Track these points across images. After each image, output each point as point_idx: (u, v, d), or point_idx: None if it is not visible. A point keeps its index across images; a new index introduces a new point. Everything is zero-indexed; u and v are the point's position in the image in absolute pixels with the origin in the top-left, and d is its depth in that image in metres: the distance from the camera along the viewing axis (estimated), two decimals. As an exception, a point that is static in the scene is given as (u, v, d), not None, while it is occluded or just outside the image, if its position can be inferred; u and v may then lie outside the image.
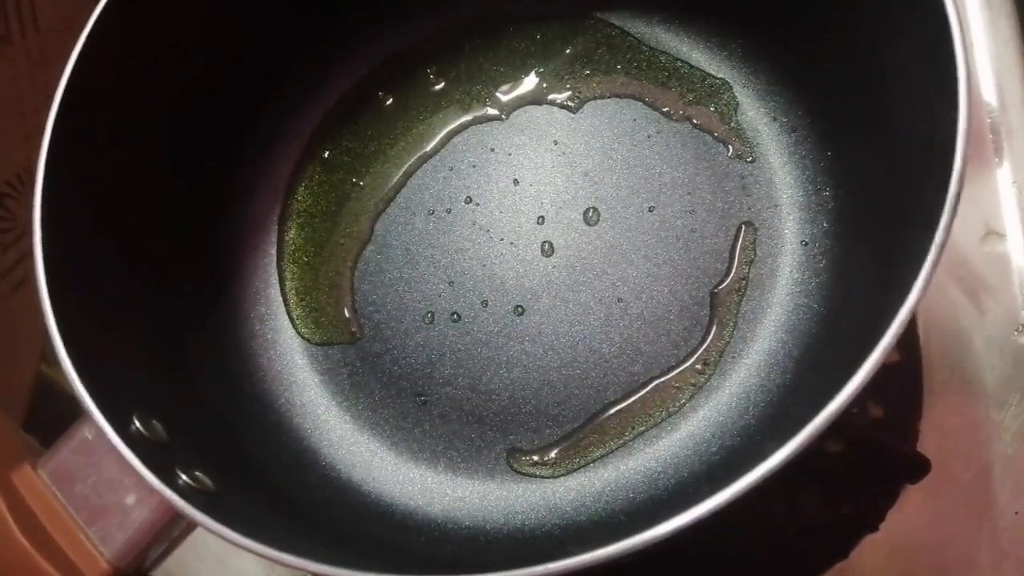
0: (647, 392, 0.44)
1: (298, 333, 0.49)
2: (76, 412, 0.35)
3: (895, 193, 0.36)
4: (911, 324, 0.47)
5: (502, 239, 0.48)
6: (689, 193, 0.47)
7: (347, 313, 0.49)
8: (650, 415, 0.43)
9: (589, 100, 0.50)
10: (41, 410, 0.57)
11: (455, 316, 0.47)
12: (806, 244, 0.44)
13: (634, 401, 0.44)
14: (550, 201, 0.49)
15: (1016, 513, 0.44)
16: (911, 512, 0.45)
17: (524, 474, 0.44)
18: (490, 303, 0.47)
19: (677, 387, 0.44)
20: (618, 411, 0.44)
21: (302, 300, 0.50)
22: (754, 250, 0.45)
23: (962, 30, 0.31)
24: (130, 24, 0.41)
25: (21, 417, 0.56)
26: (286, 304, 0.50)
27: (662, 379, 0.44)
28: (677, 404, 0.43)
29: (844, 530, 0.45)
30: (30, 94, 0.57)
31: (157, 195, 0.45)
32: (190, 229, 0.47)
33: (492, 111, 0.51)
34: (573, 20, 0.52)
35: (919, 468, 0.45)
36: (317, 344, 0.48)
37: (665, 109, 0.49)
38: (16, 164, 0.57)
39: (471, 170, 0.50)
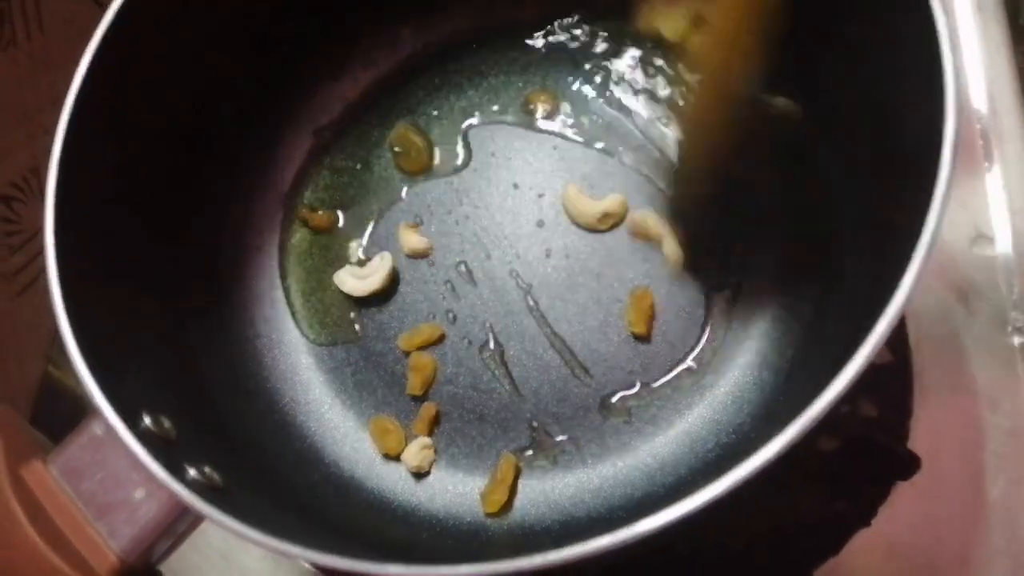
0: (644, 390, 0.45)
1: (302, 333, 0.49)
2: (80, 413, 0.36)
3: (885, 196, 0.37)
4: (902, 325, 0.48)
5: (502, 242, 0.49)
6: (686, 196, 0.48)
7: (351, 313, 0.49)
8: (647, 413, 0.44)
9: (588, 102, 0.51)
10: (46, 411, 0.57)
11: (453, 317, 0.48)
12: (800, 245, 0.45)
13: (631, 399, 0.45)
14: (550, 205, 0.49)
15: (1008, 510, 0.45)
16: (903, 509, 0.45)
17: (524, 470, 0.45)
18: (489, 304, 0.48)
19: (674, 386, 0.44)
20: (616, 409, 0.45)
21: (307, 301, 0.50)
22: (750, 251, 0.46)
23: (950, 37, 0.32)
24: (141, 27, 0.41)
25: (27, 417, 0.57)
26: (291, 305, 0.50)
27: (659, 378, 0.45)
28: (674, 402, 0.44)
29: (837, 527, 0.45)
30: (34, 96, 0.58)
31: (165, 196, 0.45)
32: (197, 230, 0.48)
33: (493, 115, 0.52)
34: (573, 26, 0.53)
35: (911, 466, 0.46)
36: (322, 344, 0.49)
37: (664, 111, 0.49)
38: (21, 165, 0.57)
39: (471, 174, 0.51)
